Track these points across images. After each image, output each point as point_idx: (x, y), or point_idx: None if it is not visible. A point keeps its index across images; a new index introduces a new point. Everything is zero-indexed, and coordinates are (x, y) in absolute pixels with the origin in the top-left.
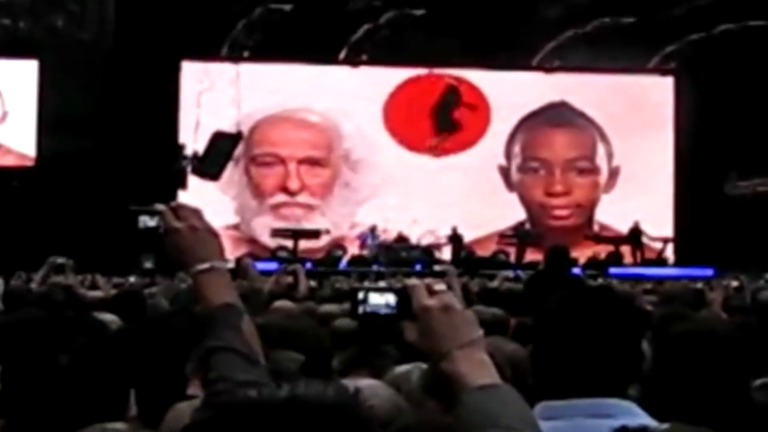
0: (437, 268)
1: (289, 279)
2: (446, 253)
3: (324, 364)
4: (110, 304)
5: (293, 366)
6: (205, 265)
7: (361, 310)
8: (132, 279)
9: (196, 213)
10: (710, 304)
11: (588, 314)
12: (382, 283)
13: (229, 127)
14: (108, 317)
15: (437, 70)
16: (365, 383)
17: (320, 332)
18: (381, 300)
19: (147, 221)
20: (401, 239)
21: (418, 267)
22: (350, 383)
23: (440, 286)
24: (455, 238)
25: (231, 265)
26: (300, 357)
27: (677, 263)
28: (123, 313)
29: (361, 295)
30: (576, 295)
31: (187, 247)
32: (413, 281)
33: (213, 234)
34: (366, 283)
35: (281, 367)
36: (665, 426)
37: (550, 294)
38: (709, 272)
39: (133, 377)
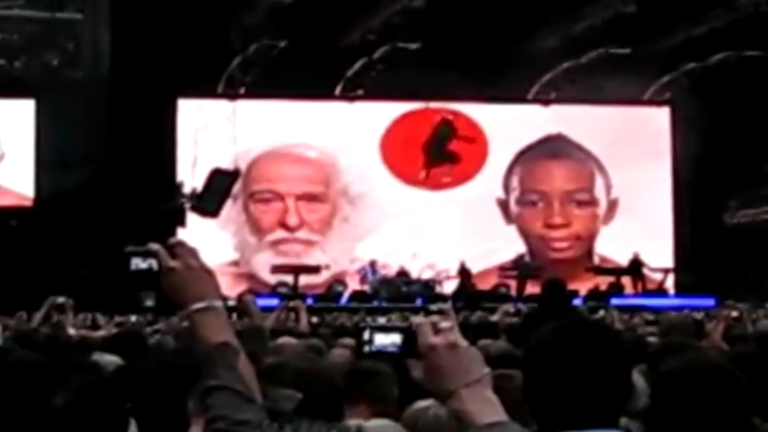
0: (433, 307)
1: (291, 315)
2: (447, 287)
3: (329, 402)
4: (111, 343)
5: (290, 404)
6: (202, 304)
7: (366, 349)
8: (134, 318)
9: (192, 252)
10: (710, 335)
11: (575, 346)
12: (382, 320)
13: (226, 163)
14: (109, 358)
15: (433, 104)
16: (375, 423)
17: (326, 370)
18: (386, 340)
19: (139, 263)
20: (402, 274)
21: (418, 301)
22: (358, 423)
23: (446, 324)
24: (463, 273)
25: (232, 302)
26: (297, 395)
27: (678, 293)
28: (124, 353)
29: (366, 335)
30: (563, 327)
31: (183, 286)
32: (419, 319)
33: (209, 273)
34: (369, 320)
35: (278, 405)
36: None
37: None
38: (710, 302)
39: (134, 417)
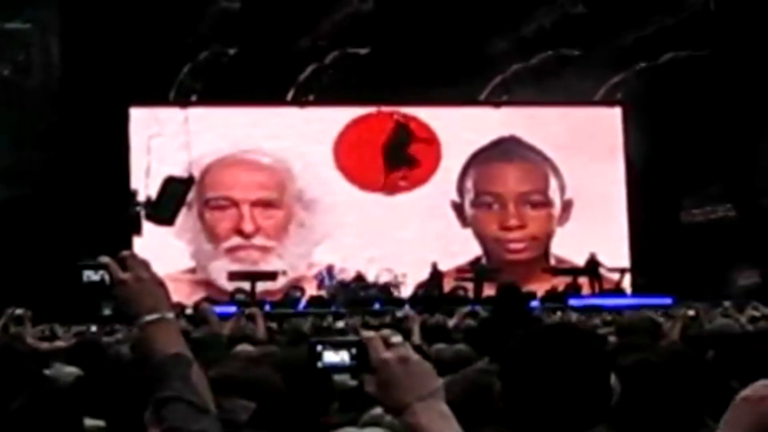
0: (399, 314)
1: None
2: (404, 291)
3: (279, 411)
4: (69, 354)
5: (244, 414)
6: (153, 316)
7: (320, 364)
8: (94, 328)
9: (143, 264)
10: (667, 334)
11: (553, 352)
12: (340, 323)
13: (180, 171)
14: (68, 369)
15: (385, 108)
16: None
17: (276, 379)
18: (336, 357)
19: (91, 275)
20: (359, 278)
21: (376, 306)
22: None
23: (396, 338)
24: (436, 274)
25: (189, 310)
26: (251, 405)
27: (635, 293)
28: (82, 363)
29: (316, 351)
30: (539, 333)
31: (135, 297)
32: (369, 334)
33: (160, 284)
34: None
35: (232, 416)
36: None
37: (506, 331)
38: (667, 301)
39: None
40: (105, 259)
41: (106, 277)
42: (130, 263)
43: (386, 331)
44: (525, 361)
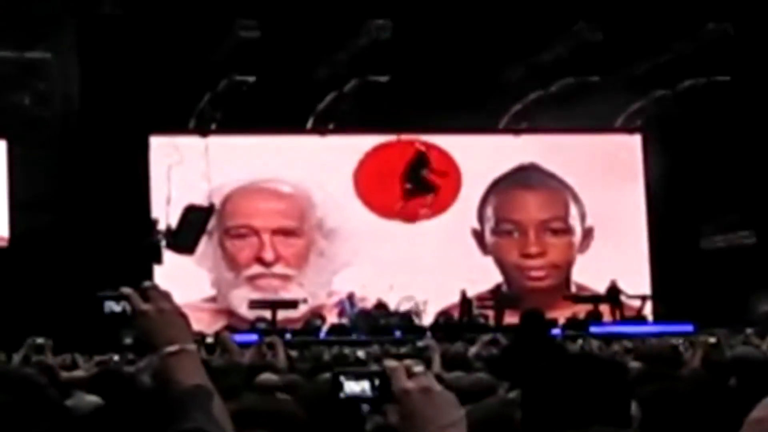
0: (420, 344)
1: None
2: (425, 319)
3: None
4: (90, 383)
5: None
6: (174, 348)
7: (342, 395)
8: (116, 357)
9: (165, 295)
10: (688, 362)
11: (575, 382)
12: (360, 353)
13: (200, 200)
14: (89, 398)
15: (405, 136)
16: None
17: (299, 410)
18: (357, 387)
19: (113, 306)
20: (380, 306)
21: (397, 334)
22: None
23: (419, 368)
24: (465, 302)
25: (210, 339)
26: None
27: (657, 320)
28: (103, 392)
29: (338, 381)
30: (561, 362)
31: (156, 329)
32: (392, 363)
33: (182, 315)
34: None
35: None
36: None
37: (529, 359)
38: (689, 328)
39: None
40: (126, 290)
41: (128, 308)
42: (151, 294)
43: (409, 361)
44: (547, 390)
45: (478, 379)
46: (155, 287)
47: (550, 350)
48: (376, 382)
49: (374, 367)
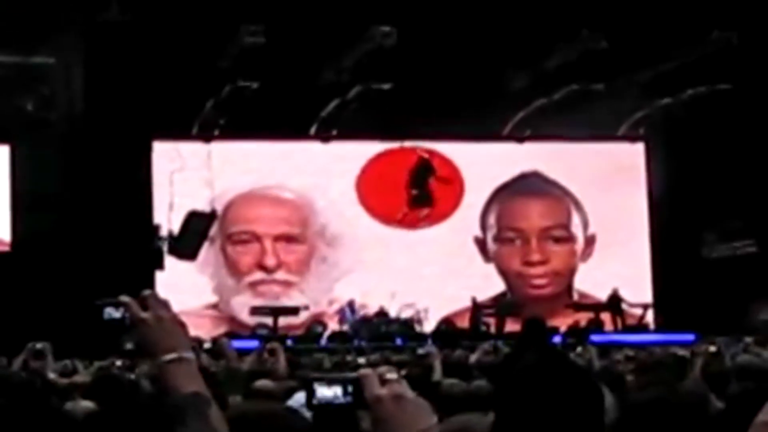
0: (420, 351)
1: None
2: (426, 327)
3: None
4: (89, 389)
5: None
6: (172, 356)
7: (315, 401)
8: (119, 362)
9: (163, 303)
10: (690, 371)
11: (545, 384)
12: (361, 360)
13: (203, 206)
14: (83, 404)
15: (408, 143)
16: None
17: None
18: (329, 393)
19: (112, 312)
20: (381, 313)
21: (398, 341)
22: None
23: (392, 375)
24: (475, 308)
25: (208, 344)
26: None
27: (658, 329)
28: (102, 398)
29: (311, 387)
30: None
31: (154, 337)
32: (365, 371)
33: (180, 324)
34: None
35: None
36: None
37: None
38: (690, 337)
39: None
40: (125, 298)
41: (127, 315)
42: (150, 302)
43: (383, 368)
44: (521, 393)
45: (478, 387)
46: (154, 295)
47: (550, 359)
48: (349, 388)
49: (348, 374)
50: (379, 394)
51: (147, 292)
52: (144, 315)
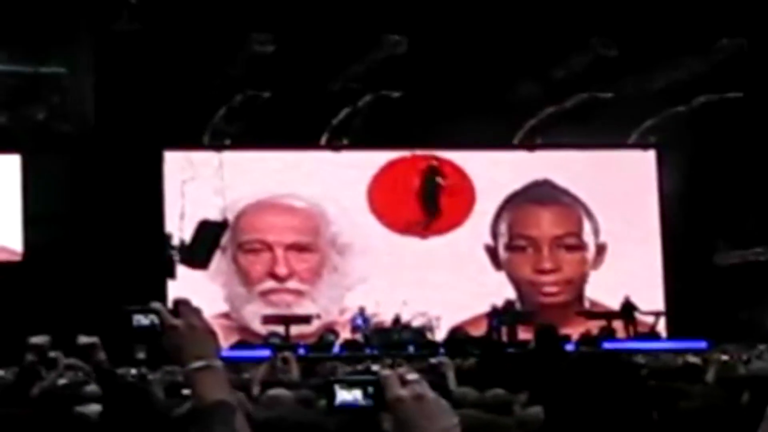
0: (432, 361)
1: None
2: (438, 335)
3: None
4: (103, 397)
5: None
6: (201, 363)
7: (335, 403)
8: (133, 371)
9: (195, 311)
10: (704, 378)
11: (600, 379)
12: (375, 367)
13: (214, 215)
14: (93, 407)
15: (419, 152)
16: None
17: (327, 423)
18: (348, 396)
19: (141, 319)
20: (393, 322)
21: (410, 349)
22: None
23: (412, 376)
24: (495, 316)
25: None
26: None
27: (670, 336)
28: (114, 406)
29: (331, 390)
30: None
31: (184, 344)
32: (385, 372)
33: (211, 333)
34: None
35: None
36: None
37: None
38: (702, 344)
39: None
40: (156, 304)
41: (156, 322)
42: (182, 310)
43: (402, 369)
44: (573, 386)
45: (494, 394)
46: (187, 302)
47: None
48: (370, 390)
49: (368, 376)
50: (400, 395)
51: (180, 298)
52: (175, 322)
